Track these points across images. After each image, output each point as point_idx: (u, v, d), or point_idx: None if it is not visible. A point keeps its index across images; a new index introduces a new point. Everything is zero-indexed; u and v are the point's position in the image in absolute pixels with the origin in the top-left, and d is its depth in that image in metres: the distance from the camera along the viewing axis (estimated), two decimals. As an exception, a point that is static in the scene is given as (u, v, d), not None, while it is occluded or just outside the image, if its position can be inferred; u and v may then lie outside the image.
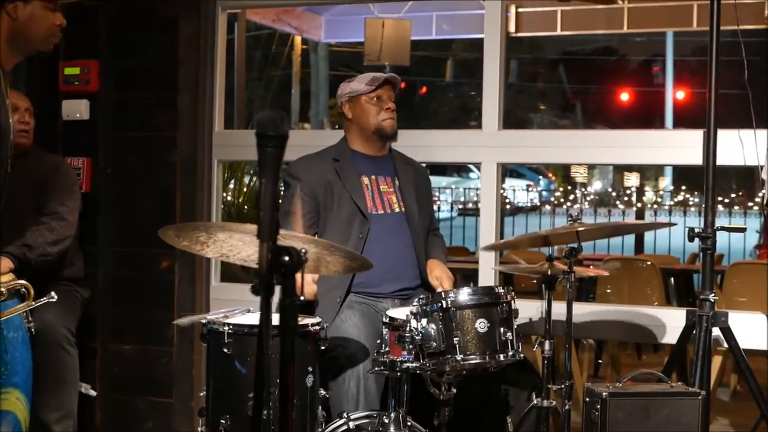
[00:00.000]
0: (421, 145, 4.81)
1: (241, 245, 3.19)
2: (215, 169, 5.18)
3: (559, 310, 3.81)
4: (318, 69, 13.93)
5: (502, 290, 3.46)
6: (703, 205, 4.18)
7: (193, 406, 4.93)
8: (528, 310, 4.38)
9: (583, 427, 3.72)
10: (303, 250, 2.12)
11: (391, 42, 9.46)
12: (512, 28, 9.68)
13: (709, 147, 4.13)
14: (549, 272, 3.77)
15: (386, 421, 3.39)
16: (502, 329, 3.38)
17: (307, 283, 3.57)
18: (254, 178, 7.44)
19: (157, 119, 5.06)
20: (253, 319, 3.41)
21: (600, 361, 7.17)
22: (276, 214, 2.15)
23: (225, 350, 3.31)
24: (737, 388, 6.64)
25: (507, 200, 17.38)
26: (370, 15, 9.70)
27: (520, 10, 9.91)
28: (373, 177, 4.16)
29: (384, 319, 3.50)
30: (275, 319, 2.22)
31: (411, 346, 3.33)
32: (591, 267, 5.27)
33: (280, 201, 4.05)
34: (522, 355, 3.47)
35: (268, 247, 2.20)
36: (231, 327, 3.33)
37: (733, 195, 23.31)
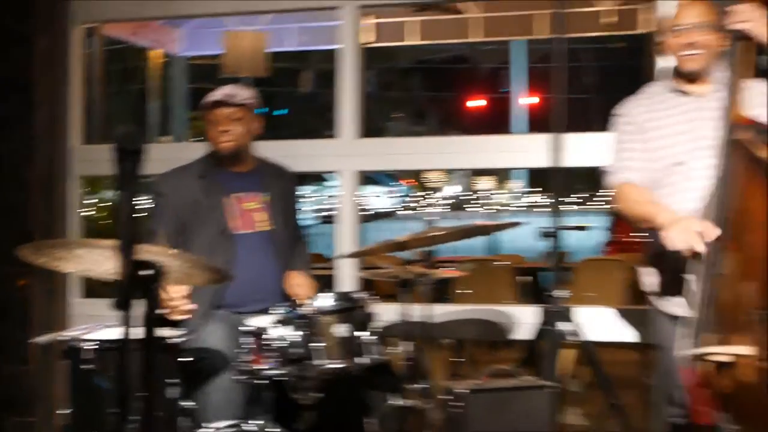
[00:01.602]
0: (281, 155, 4.79)
1: (101, 260, 3.12)
2: (74, 184, 5.06)
3: (418, 312, 3.84)
4: (177, 82, 13.74)
5: (360, 295, 3.50)
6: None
7: (57, 423, 4.80)
8: (389, 313, 4.40)
9: (443, 425, 3.76)
10: (162, 264, 2.08)
11: (248, 54, 9.41)
12: (368, 38, 9.74)
13: (556, 150, 4.23)
14: (406, 276, 3.80)
15: (250, 429, 3.36)
16: (361, 333, 3.40)
17: (179, 300, 3.56)
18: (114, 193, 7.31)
19: (12, 135, 4.91)
20: (114, 333, 3.34)
21: (458, 359, 7.26)
22: (135, 228, 2.12)
23: (86, 366, 3.23)
24: (588, 379, 6.79)
25: (365, 207, 17.46)
26: (229, 28, 9.62)
27: (375, 21, 10.00)
28: (238, 195, 4.07)
29: (246, 328, 3.47)
30: (137, 332, 2.18)
31: (273, 354, 3.32)
32: (447, 269, 5.33)
33: (145, 218, 3.98)
34: (383, 358, 3.50)
35: (127, 261, 2.17)
36: (91, 342, 3.25)
37: (584, 195, 23.92)
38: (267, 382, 3.38)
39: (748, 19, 3.14)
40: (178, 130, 13.99)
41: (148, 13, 6.50)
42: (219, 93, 4.04)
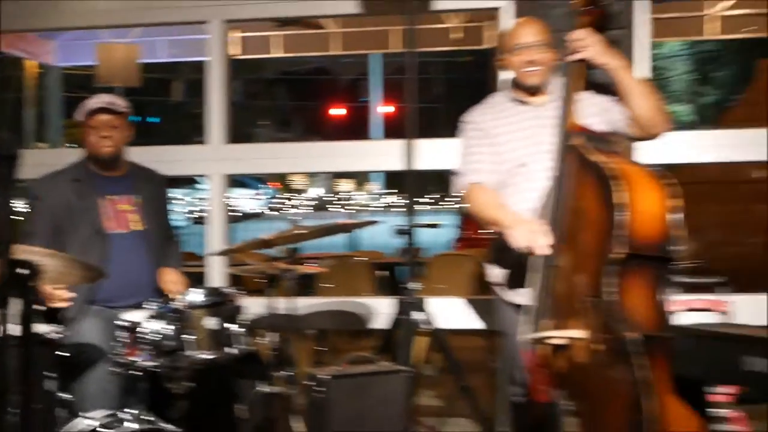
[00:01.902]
0: (155, 160, 4.71)
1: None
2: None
3: (284, 305, 3.84)
4: (52, 91, 13.36)
5: (229, 290, 3.50)
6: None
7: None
8: (256, 306, 4.38)
9: (308, 408, 3.77)
10: (38, 263, 2.03)
11: (121, 65, 9.23)
12: (235, 50, 9.67)
13: (409, 154, 4.28)
14: (272, 271, 3.80)
15: (125, 417, 3.31)
16: (230, 325, 3.39)
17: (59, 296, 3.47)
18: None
19: None
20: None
21: (321, 348, 7.26)
22: (11, 229, 2.06)
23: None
24: (440, 364, 6.88)
25: (234, 208, 17.33)
26: (102, 40, 9.41)
27: (242, 34, 9.94)
28: (111, 197, 3.98)
29: (121, 323, 3.41)
30: (14, 329, 2.12)
31: (147, 346, 3.28)
32: (310, 264, 5.35)
33: (21, 220, 3.86)
34: (251, 348, 3.49)
35: (3, 261, 2.11)
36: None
37: (436, 196, 24.20)
38: (141, 373, 3.34)
39: (586, 45, 3.25)
40: (53, 137, 13.61)
41: (22, 26, 6.31)
42: (101, 100, 3.96)
